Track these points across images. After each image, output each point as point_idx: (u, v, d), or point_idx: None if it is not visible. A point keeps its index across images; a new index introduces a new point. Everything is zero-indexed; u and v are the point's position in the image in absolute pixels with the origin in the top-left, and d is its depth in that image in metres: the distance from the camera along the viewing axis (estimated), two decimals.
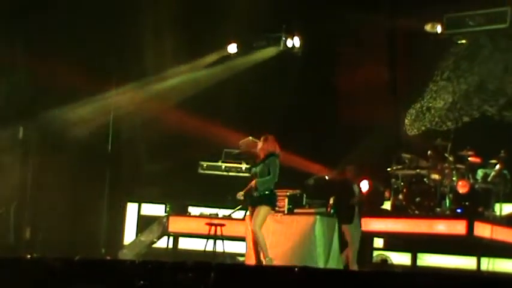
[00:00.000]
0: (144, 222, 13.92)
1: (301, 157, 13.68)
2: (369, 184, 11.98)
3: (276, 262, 10.51)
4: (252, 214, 10.18)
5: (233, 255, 12.41)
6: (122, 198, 14.41)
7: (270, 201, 10.13)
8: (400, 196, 11.88)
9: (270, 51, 15.06)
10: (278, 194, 11.46)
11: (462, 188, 11.18)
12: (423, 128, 13.68)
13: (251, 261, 10.83)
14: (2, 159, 13.41)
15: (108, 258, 11.89)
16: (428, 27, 13.55)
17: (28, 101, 13.56)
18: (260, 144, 10.29)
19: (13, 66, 13.33)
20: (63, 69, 13.35)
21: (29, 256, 5.56)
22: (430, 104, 13.77)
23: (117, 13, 13.61)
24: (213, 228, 11.96)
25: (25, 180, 13.75)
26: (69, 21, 13.18)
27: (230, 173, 14.32)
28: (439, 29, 13.44)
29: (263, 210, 10.05)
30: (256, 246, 10.09)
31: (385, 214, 12.09)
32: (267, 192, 10.10)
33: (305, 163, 13.63)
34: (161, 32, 14.31)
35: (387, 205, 12.26)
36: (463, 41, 13.55)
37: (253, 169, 10.34)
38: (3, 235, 13.00)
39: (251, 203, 10.21)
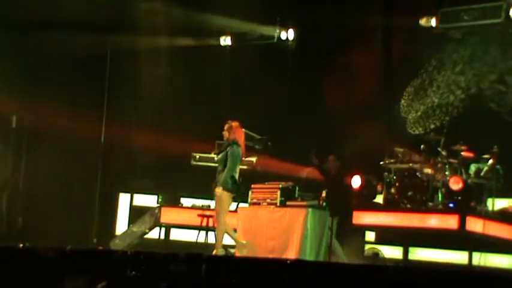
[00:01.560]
0: (136, 213, 13.92)
1: (294, 150, 13.68)
2: (361, 178, 12.01)
3: (269, 254, 10.53)
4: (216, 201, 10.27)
5: (225, 247, 12.42)
6: (114, 188, 14.39)
7: (230, 188, 10.13)
8: (393, 190, 11.88)
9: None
10: (271, 186, 11.49)
11: (455, 184, 11.20)
12: (432, 126, 13.58)
13: (242, 253, 10.85)
14: None
15: (100, 248, 11.89)
16: (423, 22, 13.54)
17: (21, 90, 13.52)
18: (226, 133, 10.35)
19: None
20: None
21: (20, 245, 5.54)
22: (432, 84, 13.73)
23: None
24: (205, 219, 11.97)
25: (18, 170, 13.72)
26: None
27: None
28: (433, 23, 13.44)
29: (224, 197, 10.07)
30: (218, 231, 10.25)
31: (377, 208, 12.09)
32: (228, 180, 10.10)
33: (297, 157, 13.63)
34: (154, 21, 14.28)
35: (379, 199, 12.26)
36: (458, 36, 13.54)
37: (217, 158, 10.37)
38: None
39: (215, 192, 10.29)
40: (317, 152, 12.14)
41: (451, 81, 13.56)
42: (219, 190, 10.22)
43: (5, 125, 13.62)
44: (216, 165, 14.22)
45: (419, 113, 13.75)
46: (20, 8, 12.79)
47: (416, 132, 13.66)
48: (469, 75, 13.37)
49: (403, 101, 13.89)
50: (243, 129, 10.63)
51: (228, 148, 10.33)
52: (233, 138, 10.36)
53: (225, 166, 10.28)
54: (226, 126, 10.46)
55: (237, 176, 10.30)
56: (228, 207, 10.47)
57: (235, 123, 10.47)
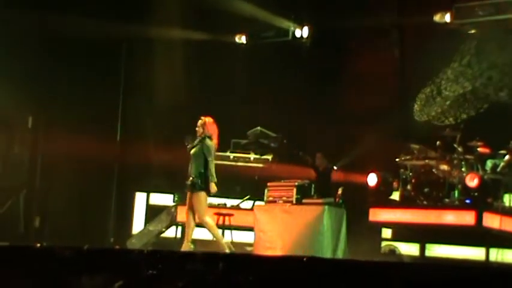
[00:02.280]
0: (153, 212, 13.95)
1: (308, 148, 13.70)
2: (377, 176, 11.99)
3: (284, 252, 10.53)
4: (190, 198, 10.17)
5: (241, 245, 12.44)
6: (131, 187, 14.44)
7: (202, 187, 10.10)
8: (409, 186, 11.85)
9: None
10: (287, 184, 11.49)
11: (471, 181, 11.14)
12: (433, 113, 13.57)
13: (259, 250, 10.87)
14: (11, 148, 13.46)
15: (117, 247, 11.93)
16: (437, 18, 13.48)
17: (37, 91, 13.59)
18: (200, 128, 10.28)
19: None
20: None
21: (38, 245, 5.57)
22: (441, 93, 13.68)
23: None
24: (221, 218, 11.99)
25: (34, 170, 13.79)
26: None
27: (238, 163, 14.31)
28: (448, 18, 13.38)
29: (200, 197, 10.06)
30: (187, 229, 10.17)
31: (393, 204, 12.06)
32: (199, 179, 10.08)
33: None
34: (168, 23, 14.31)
35: (395, 195, 12.23)
36: (473, 31, 13.47)
37: (190, 152, 10.29)
38: (13, 224, 13.05)
39: (188, 186, 10.23)
40: (306, 153, 12.74)
41: (462, 75, 13.50)
42: (198, 193, 10.16)
43: (21, 126, 13.69)
44: (232, 163, 14.32)
45: (422, 102, 13.74)
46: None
47: (422, 119, 13.65)
48: (482, 70, 13.30)
49: (416, 106, 13.86)
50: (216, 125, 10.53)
51: (201, 143, 10.27)
52: (207, 133, 10.32)
53: (206, 161, 10.17)
54: (199, 123, 10.36)
55: (213, 169, 10.23)
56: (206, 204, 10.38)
57: (208, 119, 10.40)
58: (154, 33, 14.38)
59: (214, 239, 10.38)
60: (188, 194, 10.35)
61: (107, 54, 13.82)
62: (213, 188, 10.18)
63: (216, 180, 10.19)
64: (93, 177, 13.90)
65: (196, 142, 10.33)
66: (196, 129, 10.36)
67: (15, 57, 12.91)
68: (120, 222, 14.19)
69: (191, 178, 10.21)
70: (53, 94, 13.66)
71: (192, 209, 10.25)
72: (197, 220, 10.30)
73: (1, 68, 12.71)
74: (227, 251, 10.00)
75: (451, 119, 13.46)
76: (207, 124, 10.33)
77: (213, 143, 10.27)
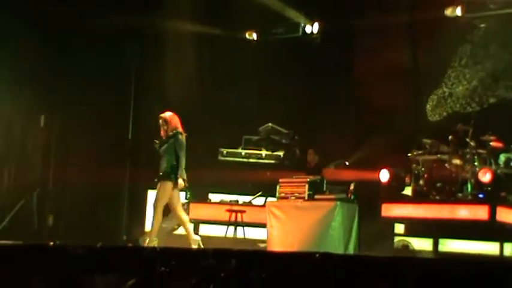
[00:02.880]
0: (165, 210, 13.96)
1: (321, 143, 13.68)
2: (389, 172, 11.96)
3: (297, 248, 10.53)
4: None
5: (254, 241, 12.45)
6: (143, 185, 14.46)
7: (170, 177, 10.11)
8: (421, 181, 11.81)
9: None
10: (298, 180, 11.48)
11: (484, 176, 11.09)
12: (445, 113, 13.54)
13: (272, 247, 10.87)
14: (24, 147, 13.52)
15: (130, 245, 11.96)
16: (448, 12, 13.43)
17: (49, 89, 13.63)
18: (164, 125, 10.25)
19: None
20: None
21: (51, 243, 5.59)
22: (451, 90, 13.64)
23: None
24: (233, 214, 12.00)
25: (47, 168, 13.84)
26: None
27: (250, 160, 14.32)
28: (459, 12, 13.32)
29: (164, 185, 10.11)
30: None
31: (406, 200, 12.03)
32: (165, 171, 10.12)
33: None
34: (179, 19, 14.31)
35: (408, 190, 12.20)
36: (484, 25, 13.40)
37: (160, 149, 10.26)
38: (27, 222, 13.10)
39: (157, 181, 10.29)
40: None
41: (473, 71, 13.45)
42: (164, 182, 10.17)
43: (33, 124, 13.75)
44: (244, 160, 14.31)
45: (434, 102, 13.69)
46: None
47: (434, 119, 13.60)
48: (495, 64, 13.24)
49: (428, 106, 13.81)
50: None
51: (173, 138, 10.23)
52: (174, 128, 10.31)
53: (177, 157, 10.17)
54: (161, 122, 10.37)
55: (184, 164, 10.24)
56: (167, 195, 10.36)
57: (169, 114, 10.39)
58: (165, 28, 14.37)
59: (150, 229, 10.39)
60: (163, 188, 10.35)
61: (118, 53, 13.83)
62: (181, 184, 10.19)
63: (185, 177, 10.20)
64: (105, 175, 13.92)
65: (166, 139, 10.28)
66: (162, 126, 10.33)
67: (27, 56, 12.95)
68: (132, 220, 14.22)
69: (164, 171, 10.22)
70: (65, 93, 13.69)
71: (172, 204, 10.26)
72: (179, 213, 10.24)
73: (13, 67, 12.76)
74: (151, 243, 10.06)
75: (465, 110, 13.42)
76: (169, 119, 10.35)
77: (184, 139, 10.28)
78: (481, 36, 13.37)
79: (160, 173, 10.31)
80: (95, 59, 13.55)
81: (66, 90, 13.66)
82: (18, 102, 13.24)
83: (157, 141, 10.48)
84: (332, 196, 11.19)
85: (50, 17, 12.92)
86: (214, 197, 13.68)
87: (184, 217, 10.47)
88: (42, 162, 13.79)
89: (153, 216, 10.32)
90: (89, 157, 13.63)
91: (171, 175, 10.21)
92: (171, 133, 10.30)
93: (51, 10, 12.74)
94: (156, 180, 10.42)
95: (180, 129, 10.36)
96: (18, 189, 13.25)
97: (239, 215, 12.21)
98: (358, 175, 12.48)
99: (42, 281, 4.80)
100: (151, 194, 14.32)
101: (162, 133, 10.40)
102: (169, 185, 10.18)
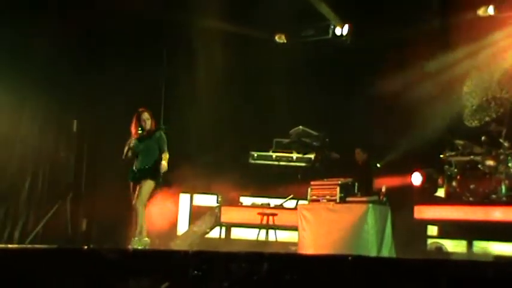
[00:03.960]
0: (197, 213, 14.02)
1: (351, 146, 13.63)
2: (422, 174, 11.89)
3: (329, 251, 10.49)
4: (134, 190, 10.03)
5: (285, 244, 12.43)
6: (174, 189, 14.52)
7: (154, 175, 9.98)
8: (454, 183, 11.72)
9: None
10: (330, 182, 11.44)
11: None
12: (487, 118, 13.31)
13: (304, 250, 10.85)
14: (57, 152, 13.65)
15: (162, 248, 12.01)
16: (481, 11, 13.28)
17: (81, 94, 13.76)
18: (148, 120, 10.13)
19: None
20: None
21: (85, 247, 5.64)
22: (495, 93, 13.45)
23: None
24: (265, 217, 12.00)
25: (80, 173, 13.96)
26: None
27: (281, 163, 14.32)
28: (491, 11, 13.17)
29: (147, 185, 9.92)
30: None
31: (439, 201, 11.95)
32: (148, 166, 9.98)
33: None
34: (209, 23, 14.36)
35: (441, 192, 12.10)
36: None
37: (140, 145, 10.13)
38: (61, 227, 13.23)
39: (132, 179, 10.10)
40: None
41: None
42: (146, 181, 10.02)
43: (66, 129, 13.87)
44: (275, 163, 14.31)
45: (474, 107, 13.52)
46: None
47: (473, 125, 13.42)
48: None
49: (467, 111, 13.62)
50: None
51: (155, 136, 10.18)
52: (154, 123, 10.27)
53: (160, 152, 10.07)
54: (145, 116, 10.27)
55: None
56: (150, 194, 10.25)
57: (148, 112, 10.34)
58: (195, 31, 14.41)
59: (138, 228, 10.13)
60: (133, 184, 10.19)
61: (148, 58, 13.91)
62: (165, 165, 10.04)
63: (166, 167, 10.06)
64: None
65: (145, 135, 10.18)
66: (146, 122, 10.21)
67: (60, 61, 13.08)
68: (165, 224, 14.27)
69: (146, 167, 10.07)
70: (97, 98, 13.81)
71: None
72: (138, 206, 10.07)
73: (47, 71, 12.88)
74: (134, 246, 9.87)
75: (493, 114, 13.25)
76: (151, 114, 10.29)
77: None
78: None
79: (143, 169, 10.10)
80: (124, 63, 13.63)
81: (98, 95, 13.77)
82: (51, 107, 13.36)
83: (135, 137, 10.25)
84: (364, 198, 11.13)
85: (78, 20, 13.02)
86: (245, 200, 13.70)
87: (144, 212, 10.26)
88: (74, 167, 13.90)
89: (141, 216, 10.12)
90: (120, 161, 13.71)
91: (156, 172, 10.09)
92: (153, 128, 10.27)
93: (79, 12, 12.83)
94: (134, 176, 10.19)
95: (163, 127, 10.39)
96: (52, 194, 13.37)
97: (271, 218, 12.21)
98: (391, 177, 12.42)
99: (76, 285, 4.84)
100: (183, 198, 14.44)
101: (146, 127, 10.22)
102: (153, 182, 10.10)
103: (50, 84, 13.01)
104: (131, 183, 10.28)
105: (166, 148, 10.24)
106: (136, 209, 10.08)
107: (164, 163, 10.09)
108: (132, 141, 10.29)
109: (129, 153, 10.27)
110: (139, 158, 10.19)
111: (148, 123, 10.24)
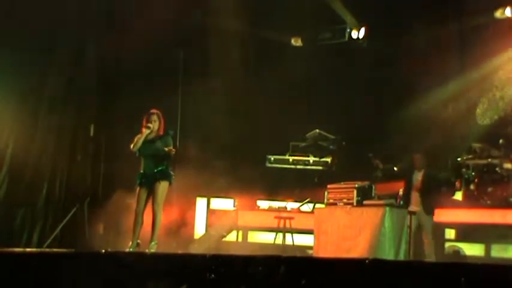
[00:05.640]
0: (214, 217, 14.03)
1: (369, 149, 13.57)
2: None
3: (346, 254, 10.47)
4: (140, 195, 9.87)
5: (302, 248, 12.42)
6: (191, 193, 14.54)
7: (168, 176, 9.89)
8: (472, 186, 11.67)
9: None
10: (347, 186, 11.42)
11: None
12: (496, 117, 13.28)
13: (321, 253, 10.83)
14: (74, 156, 13.72)
15: (180, 252, 12.03)
16: (498, 14, 13.21)
17: (98, 99, 13.82)
18: (157, 121, 10.02)
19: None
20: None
21: (103, 251, 5.67)
22: (503, 92, 13.40)
23: None
24: (281, 221, 12.00)
25: (97, 178, 14.01)
26: None
27: (298, 166, 14.31)
28: (508, 13, 13.09)
29: (162, 187, 9.79)
30: (136, 227, 9.84)
31: (456, 205, 11.89)
32: (161, 168, 9.87)
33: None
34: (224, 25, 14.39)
35: (458, 195, 12.05)
36: None
37: (148, 149, 9.99)
38: (79, 231, 13.28)
39: (144, 183, 9.91)
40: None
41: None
42: (161, 183, 9.88)
43: (83, 134, 13.93)
44: (292, 166, 14.30)
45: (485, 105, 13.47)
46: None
47: (484, 123, 13.35)
48: None
49: (478, 110, 13.56)
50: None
51: (163, 139, 10.03)
52: (163, 126, 10.15)
53: (163, 156, 9.92)
54: (155, 117, 10.09)
55: None
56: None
57: (158, 112, 10.18)
58: (213, 34, 14.43)
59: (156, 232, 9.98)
60: (140, 189, 9.97)
61: (164, 63, 13.94)
62: (172, 150, 9.89)
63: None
64: None
65: (154, 138, 10.05)
66: (153, 124, 10.04)
67: (76, 67, 13.16)
68: (182, 227, 14.30)
69: (159, 168, 9.92)
70: (113, 102, 13.86)
71: (146, 203, 9.92)
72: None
73: (63, 77, 12.96)
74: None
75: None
76: (162, 116, 10.18)
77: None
78: None
79: (154, 172, 9.92)
80: (144, 69, 13.68)
81: (114, 99, 13.83)
82: (68, 112, 13.43)
83: (134, 143, 10.10)
84: (381, 202, 11.09)
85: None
86: (262, 204, 13.70)
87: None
88: (91, 172, 13.96)
89: (159, 219, 10.05)
90: (137, 166, 13.73)
91: (168, 173, 10.00)
92: (161, 134, 10.18)
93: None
94: (146, 180, 10.02)
95: (171, 130, 10.33)
96: (70, 198, 13.44)
97: (287, 221, 12.20)
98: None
99: None
100: (200, 201, 14.46)
101: (154, 128, 10.07)
102: (167, 184, 10.03)
103: (66, 88, 13.08)
104: (138, 188, 10.09)
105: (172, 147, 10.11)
106: (156, 213, 9.99)
107: (171, 148, 9.95)
108: (141, 139, 10.11)
109: (139, 143, 10.13)
110: (147, 162, 10.10)
111: (156, 125, 10.14)
